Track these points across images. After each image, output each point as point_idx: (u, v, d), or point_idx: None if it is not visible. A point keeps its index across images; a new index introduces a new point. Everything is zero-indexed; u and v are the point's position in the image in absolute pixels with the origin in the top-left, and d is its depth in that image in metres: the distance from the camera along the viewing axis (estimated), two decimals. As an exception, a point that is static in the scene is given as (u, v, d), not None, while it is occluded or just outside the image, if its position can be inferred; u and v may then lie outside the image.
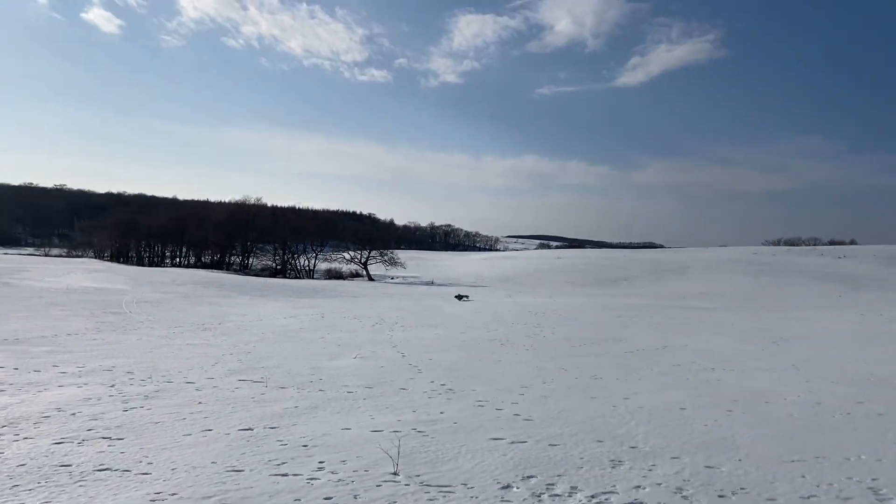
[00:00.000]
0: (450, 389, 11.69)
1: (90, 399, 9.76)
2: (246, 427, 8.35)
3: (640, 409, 10.03)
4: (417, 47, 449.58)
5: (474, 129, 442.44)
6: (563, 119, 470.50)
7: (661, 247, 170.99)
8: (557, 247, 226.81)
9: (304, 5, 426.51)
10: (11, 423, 8.10)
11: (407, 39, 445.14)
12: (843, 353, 18.30)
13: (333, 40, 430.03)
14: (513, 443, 7.88)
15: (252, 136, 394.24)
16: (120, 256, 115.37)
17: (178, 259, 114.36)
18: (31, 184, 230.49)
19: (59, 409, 8.96)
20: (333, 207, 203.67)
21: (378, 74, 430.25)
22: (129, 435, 7.77)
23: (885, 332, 25.18)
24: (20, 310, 23.69)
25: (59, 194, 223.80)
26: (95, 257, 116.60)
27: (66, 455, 6.85)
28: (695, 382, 12.90)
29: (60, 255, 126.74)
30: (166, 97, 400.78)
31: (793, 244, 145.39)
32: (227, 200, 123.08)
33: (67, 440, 7.42)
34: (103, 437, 7.61)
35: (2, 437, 7.47)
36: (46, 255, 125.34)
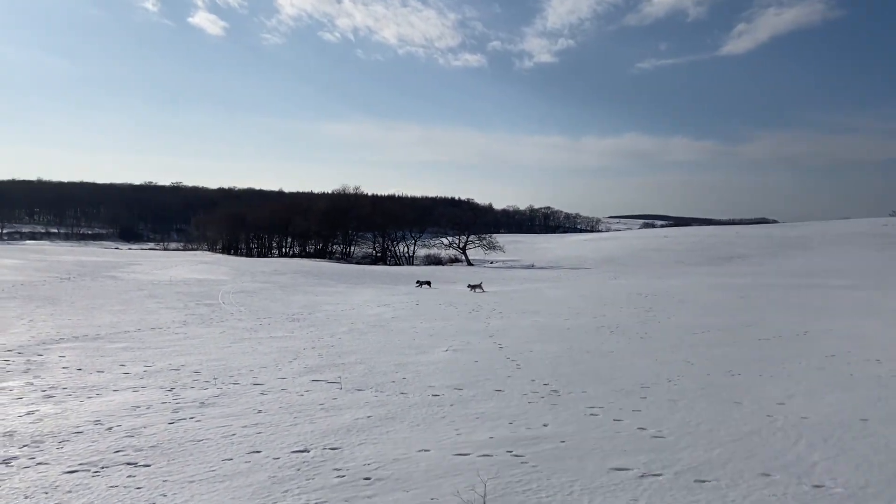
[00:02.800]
0: (554, 391, 9.74)
1: (139, 408, 8.54)
2: (301, 448, 6.77)
3: (805, 420, 7.68)
4: (511, 29, 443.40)
5: (572, 109, 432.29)
6: (665, 94, 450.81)
7: (775, 222, 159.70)
8: (662, 226, 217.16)
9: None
10: (36, 442, 6.90)
11: (500, 21, 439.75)
12: None
13: (426, 27, 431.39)
14: (643, 476, 5.84)
15: (350, 128, 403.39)
16: (230, 248, 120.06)
17: (283, 249, 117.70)
18: (151, 183, 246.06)
19: (96, 422, 7.74)
20: (431, 194, 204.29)
21: (472, 59, 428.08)
22: (161, 459, 6.37)
23: None
24: (116, 303, 23.68)
25: (176, 192, 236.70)
26: (209, 250, 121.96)
27: (69, 492, 5.48)
28: (862, 380, 10.26)
29: (178, 249, 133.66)
30: (269, 94, 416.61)
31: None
32: (328, 192, 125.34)
33: (84, 467, 6.09)
34: (128, 463, 6.23)
35: (13, 462, 6.24)
36: (165, 249, 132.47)
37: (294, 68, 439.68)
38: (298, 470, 6.06)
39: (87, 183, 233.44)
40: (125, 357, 12.77)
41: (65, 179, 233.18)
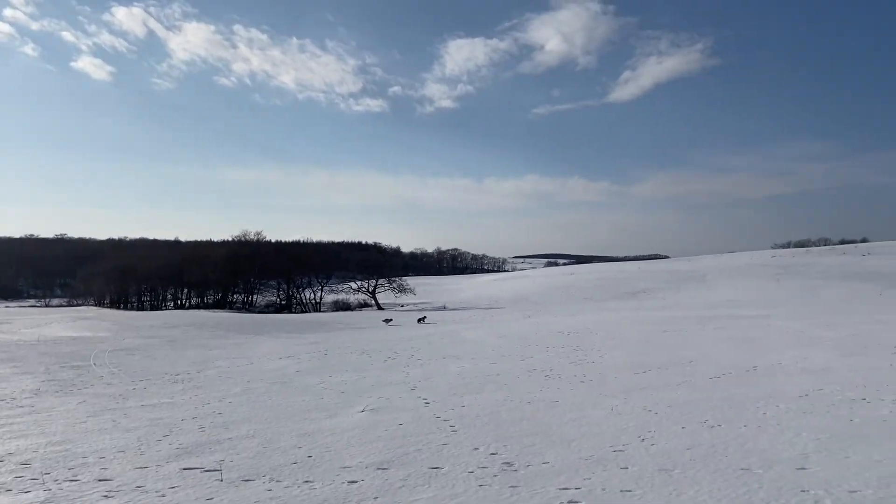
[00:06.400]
0: (507, 464, 7.51)
1: None
2: None
3: (855, 495, 5.75)
4: (411, 74, 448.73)
5: (474, 152, 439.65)
6: (561, 137, 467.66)
7: (667, 257, 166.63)
8: (565, 264, 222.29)
9: (294, 39, 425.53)
10: None
11: (399, 67, 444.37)
12: None
13: (326, 72, 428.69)
14: None
15: (252, 173, 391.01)
16: (119, 302, 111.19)
17: (179, 301, 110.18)
18: (32, 235, 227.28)
19: None
20: (338, 239, 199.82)
21: (374, 104, 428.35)
22: None
23: None
24: (-44, 371, 19.59)
25: (60, 244, 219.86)
26: (96, 305, 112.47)
27: None
28: (871, 426, 8.54)
29: (61, 305, 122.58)
30: (162, 140, 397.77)
31: (803, 246, 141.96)
32: (229, 239, 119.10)
33: None
34: None
35: None
36: (47, 306, 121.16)
37: (188, 113, 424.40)
38: None
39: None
40: (-71, 448, 9.51)
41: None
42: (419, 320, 45.57)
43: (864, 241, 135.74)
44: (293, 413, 11.98)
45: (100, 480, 7.53)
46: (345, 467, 7.65)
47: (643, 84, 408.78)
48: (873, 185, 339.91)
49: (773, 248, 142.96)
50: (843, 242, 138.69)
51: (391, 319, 46.00)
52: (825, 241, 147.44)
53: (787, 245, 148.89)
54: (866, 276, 72.94)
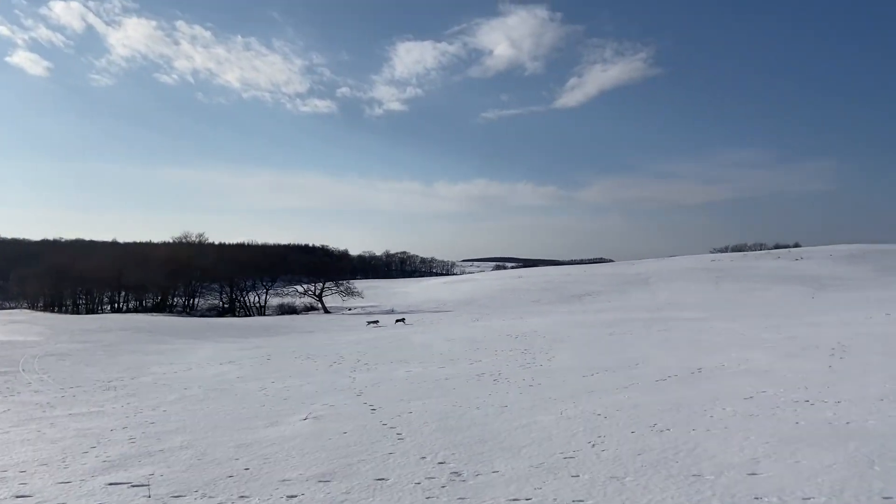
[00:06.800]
0: (455, 473, 7.24)
1: None
2: None
3: (809, 502, 5.63)
4: (359, 76, 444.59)
5: (423, 155, 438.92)
6: (509, 142, 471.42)
7: (612, 261, 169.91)
8: (513, 267, 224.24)
9: (239, 37, 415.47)
10: None
11: (348, 68, 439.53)
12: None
13: (272, 72, 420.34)
14: None
15: (194, 173, 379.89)
16: (53, 305, 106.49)
17: (117, 304, 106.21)
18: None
19: None
20: (284, 242, 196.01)
21: (321, 105, 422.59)
22: None
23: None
24: None
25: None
26: (29, 308, 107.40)
27: None
28: (816, 428, 8.56)
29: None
30: (100, 137, 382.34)
31: (740, 250, 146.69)
32: (169, 240, 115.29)
33: None
34: None
35: None
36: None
37: (127, 110, 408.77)
38: None
39: None
40: None
41: None
42: (397, 321, 47.03)
43: (796, 245, 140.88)
44: (231, 422, 11.46)
45: (17, 497, 6.93)
46: (284, 480, 7.25)
47: (589, 91, 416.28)
48: (804, 191, 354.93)
49: (712, 251, 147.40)
50: (777, 247, 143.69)
51: (377, 321, 47.19)
52: (760, 246, 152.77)
53: (726, 249, 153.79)
54: (799, 280, 75.79)
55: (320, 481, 7.13)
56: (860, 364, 14.44)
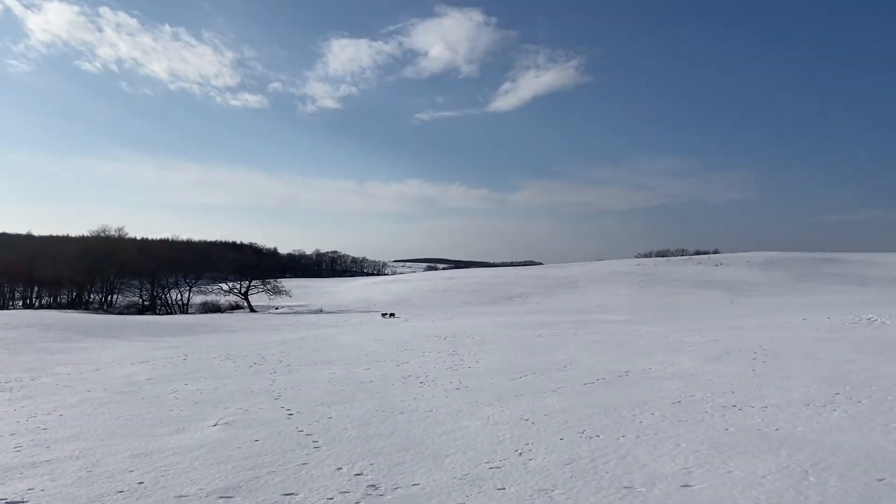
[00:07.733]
0: (373, 486, 6.67)
1: None
2: None
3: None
4: (292, 72, 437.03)
5: (357, 154, 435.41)
6: (444, 144, 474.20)
7: (541, 264, 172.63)
8: (444, 268, 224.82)
9: (167, 27, 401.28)
10: None
11: (281, 63, 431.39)
12: (878, 365, 14.70)
13: (201, 63, 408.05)
14: None
15: (117, 166, 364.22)
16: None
17: (29, 300, 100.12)
18: None
19: None
20: (211, 238, 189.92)
21: (252, 99, 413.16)
22: None
23: (876, 335, 22.15)
24: None
25: None
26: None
27: None
28: (745, 434, 8.41)
29: None
30: (16, 126, 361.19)
31: (663, 255, 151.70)
32: (87, 234, 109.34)
33: None
34: None
35: None
36: None
37: (46, 98, 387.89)
38: None
39: None
40: None
41: None
42: (384, 315, 48.56)
43: (715, 252, 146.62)
44: (133, 428, 10.50)
45: None
46: (180, 496, 6.49)
47: (522, 95, 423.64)
48: (723, 200, 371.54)
49: (637, 256, 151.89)
50: (697, 253, 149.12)
51: (394, 314, 48.78)
52: (682, 252, 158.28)
53: (650, 254, 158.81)
54: (719, 285, 78.77)
55: (221, 497, 6.42)
56: (782, 368, 14.69)
